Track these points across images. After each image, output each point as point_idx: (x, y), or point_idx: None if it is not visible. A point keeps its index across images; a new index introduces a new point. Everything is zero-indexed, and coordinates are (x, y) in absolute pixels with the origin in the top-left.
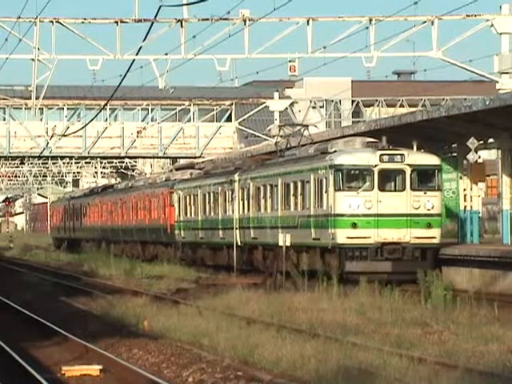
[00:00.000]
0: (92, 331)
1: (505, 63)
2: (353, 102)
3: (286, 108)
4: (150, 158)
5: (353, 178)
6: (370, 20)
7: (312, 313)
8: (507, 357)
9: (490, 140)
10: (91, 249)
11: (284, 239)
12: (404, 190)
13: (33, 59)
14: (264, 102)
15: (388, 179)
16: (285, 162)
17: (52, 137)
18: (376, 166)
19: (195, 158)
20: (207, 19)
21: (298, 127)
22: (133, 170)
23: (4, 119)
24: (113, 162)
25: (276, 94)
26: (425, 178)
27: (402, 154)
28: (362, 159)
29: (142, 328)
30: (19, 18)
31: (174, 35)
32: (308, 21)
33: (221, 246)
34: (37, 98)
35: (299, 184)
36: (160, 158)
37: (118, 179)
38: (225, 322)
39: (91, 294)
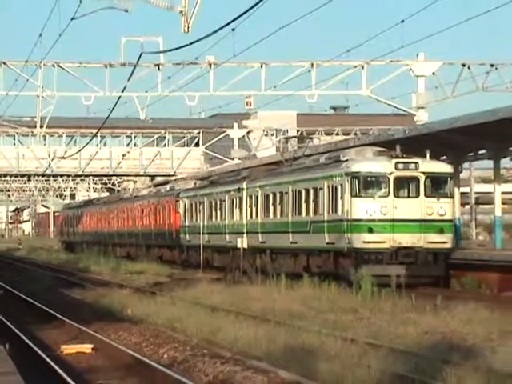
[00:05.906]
0: (85, 317)
1: (421, 100)
2: (298, 131)
3: (244, 136)
4: (133, 175)
5: (369, 184)
6: (312, 64)
7: (264, 302)
8: (422, 338)
9: None
10: (94, 250)
11: (242, 242)
12: (418, 196)
13: (38, 96)
14: (225, 131)
15: (403, 186)
16: (294, 170)
17: (53, 159)
18: (391, 173)
19: (169, 176)
20: (179, 63)
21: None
22: (119, 186)
23: (14, 144)
24: (103, 180)
25: (235, 125)
26: (438, 186)
27: (416, 162)
28: (378, 167)
29: (126, 314)
30: (27, 61)
31: (152, 76)
32: (261, 65)
33: (227, 249)
34: (41, 126)
35: (311, 191)
36: (141, 175)
37: (107, 193)
38: (193, 310)
39: (84, 286)
